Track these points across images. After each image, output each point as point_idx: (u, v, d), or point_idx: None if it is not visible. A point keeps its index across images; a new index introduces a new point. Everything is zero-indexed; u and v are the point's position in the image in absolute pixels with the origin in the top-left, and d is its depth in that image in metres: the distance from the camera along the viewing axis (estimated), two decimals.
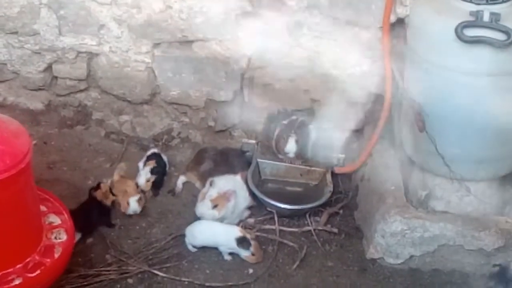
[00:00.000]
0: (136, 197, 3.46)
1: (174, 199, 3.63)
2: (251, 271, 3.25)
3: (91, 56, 3.85)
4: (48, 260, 2.87)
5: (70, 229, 3.01)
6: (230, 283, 3.18)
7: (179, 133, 3.99)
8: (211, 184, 3.47)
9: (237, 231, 3.28)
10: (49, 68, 3.89)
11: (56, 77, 3.94)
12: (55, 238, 2.97)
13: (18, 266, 2.82)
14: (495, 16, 2.96)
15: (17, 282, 2.78)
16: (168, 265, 3.24)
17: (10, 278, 2.78)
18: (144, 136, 3.98)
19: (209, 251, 3.32)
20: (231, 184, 3.48)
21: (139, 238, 3.39)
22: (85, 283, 3.08)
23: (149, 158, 3.69)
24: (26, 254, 2.85)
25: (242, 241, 3.25)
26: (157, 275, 3.18)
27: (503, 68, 3.02)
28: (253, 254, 3.27)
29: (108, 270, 3.18)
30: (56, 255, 2.90)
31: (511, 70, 3.02)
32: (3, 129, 2.75)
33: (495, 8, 3.00)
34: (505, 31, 2.93)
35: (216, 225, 3.34)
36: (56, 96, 3.99)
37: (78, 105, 4.00)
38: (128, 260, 3.24)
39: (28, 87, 3.95)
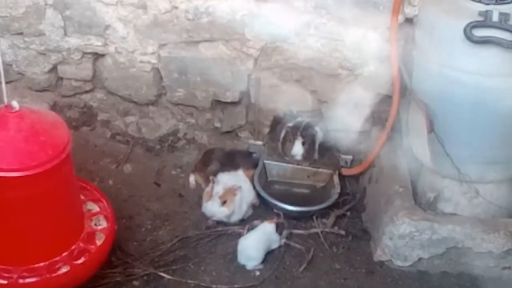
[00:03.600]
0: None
1: (180, 200, 3.62)
2: (257, 273, 3.23)
3: (97, 57, 3.84)
4: (92, 246, 2.95)
5: (110, 216, 3.07)
6: (236, 286, 3.17)
7: (185, 134, 3.97)
8: (213, 182, 3.46)
9: (269, 225, 3.32)
10: (54, 69, 3.89)
11: (61, 78, 3.93)
12: (95, 225, 3.05)
13: (64, 254, 2.89)
14: (504, 16, 2.93)
15: (64, 270, 2.86)
16: (174, 267, 3.22)
17: (57, 266, 2.86)
18: (150, 137, 3.97)
19: (215, 252, 3.31)
20: (234, 179, 3.49)
21: (145, 240, 3.38)
22: (90, 286, 3.06)
23: None
24: (71, 242, 2.92)
25: (278, 228, 3.33)
26: (163, 277, 3.17)
27: None
28: (287, 229, 3.36)
29: (114, 272, 3.17)
30: (99, 242, 2.97)
31: None
32: (42, 121, 2.80)
33: (504, 8, 2.97)
34: None
35: (257, 235, 3.30)
36: (61, 97, 3.99)
37: (83, 106, 3.99)
38: (134, 262, 3.23)
39: (33, 88, 3.95)
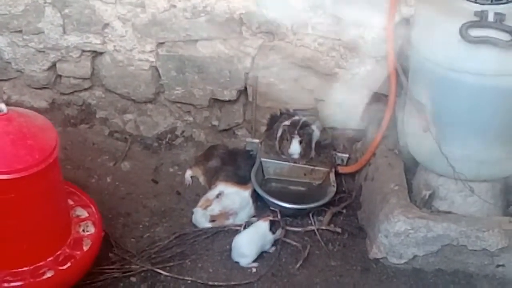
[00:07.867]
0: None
1: (177, 198, 3.63)
2: (254, 270, 3.25)
3: (95, 54, 3.85)
4: (78, 252, 2.92)
5: (97, 222, 3.05)
6: (233, 283, 3.18)
7: (183, 132, 3.99)
8: (218, 196, 3.46)
9: (263, 222, 3.31)
10: (53, 66, 3.90)
11: (60, 76, 3.94)
12: (83, 230, 3.02)
13: (49, 259, 2.87)
14: (500, 16, 2.94)
15: (49, 274, 2.83)
16: (171, 264, 3.24)
17: (42, 271, 2.83)
18: (148, 135, 3.98)
19: (212, 249, 3.33)
20: (237, 202, 3.48)
21: (143, 236, 3.39)
22: (88, 281, 3.08)
23: None
24: (56, 247, 2.90)
25: (273, 226, 3.30)
26: (160, 274, 3.19)
27: (508, 69, 3.00)
28: (283, 228, 3.34)
29: (112, 269, 3.18)
30: (85, 248, 2.95)
31: None
32: (30, 124, 2.77)
33: (500, 8, 2.98)
34: (509, 31, 2.92)
35: (250, 233, 3.31)
36: (60, 95, 4.00)
37: (82, 104, 4.01)
38: (131, 258, 3.24)
39: (32, 85, 3.96)
